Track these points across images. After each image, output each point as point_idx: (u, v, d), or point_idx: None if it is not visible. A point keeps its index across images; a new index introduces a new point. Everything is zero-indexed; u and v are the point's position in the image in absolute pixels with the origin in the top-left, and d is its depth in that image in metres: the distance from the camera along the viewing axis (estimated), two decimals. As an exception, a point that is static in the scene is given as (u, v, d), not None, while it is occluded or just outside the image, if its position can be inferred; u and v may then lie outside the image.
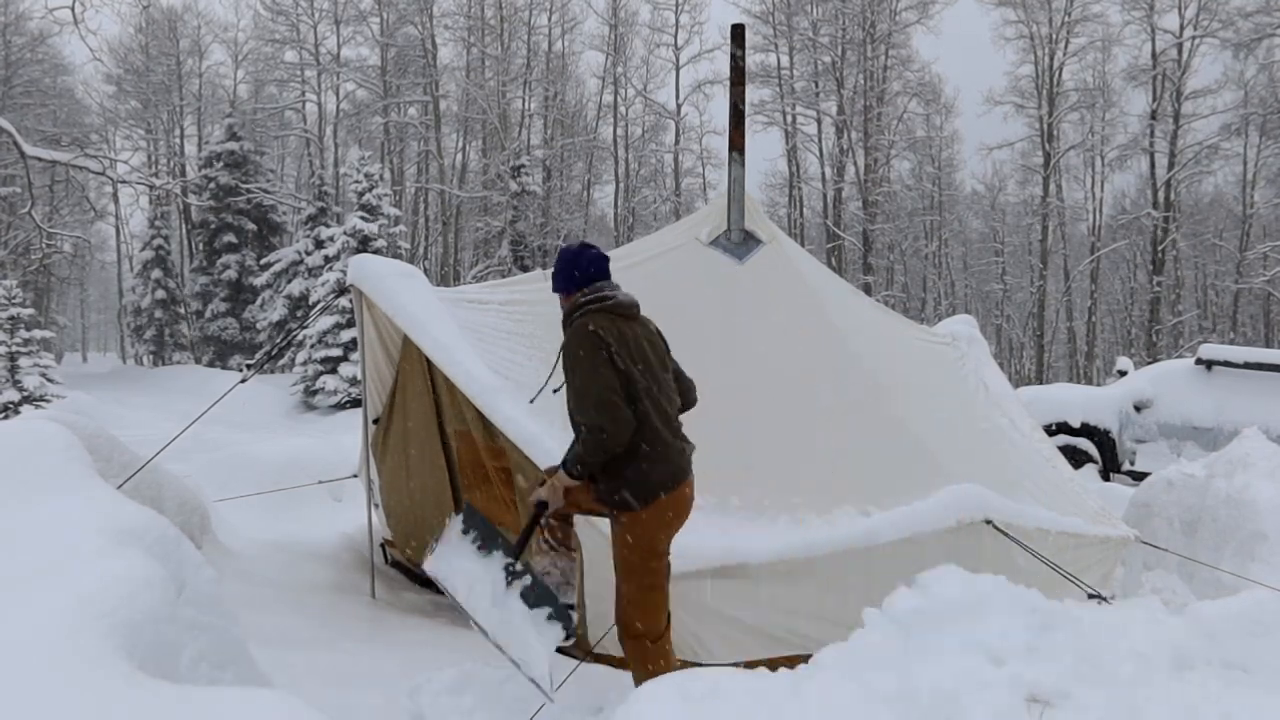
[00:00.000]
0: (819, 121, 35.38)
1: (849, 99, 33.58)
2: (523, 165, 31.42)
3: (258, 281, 29.00)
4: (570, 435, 3.53)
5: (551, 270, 3.67)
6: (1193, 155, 31.13)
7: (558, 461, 3.63)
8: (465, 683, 3.81)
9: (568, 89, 37.31)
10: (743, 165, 5.74)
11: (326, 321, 20.68)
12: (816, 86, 34.92)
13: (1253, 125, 31.39)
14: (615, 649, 4.20)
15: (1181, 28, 30.54)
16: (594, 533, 4.20)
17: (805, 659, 3.54)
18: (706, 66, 42.46)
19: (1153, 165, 31.81)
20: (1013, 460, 5.83)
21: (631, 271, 5.58)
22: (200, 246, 33.23)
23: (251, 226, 32.24)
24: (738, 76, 5.74)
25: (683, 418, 3.66)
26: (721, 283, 5.54)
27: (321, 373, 21.30)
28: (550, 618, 3.32)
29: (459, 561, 3.43)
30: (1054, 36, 32.49)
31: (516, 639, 3.28)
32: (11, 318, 15.72)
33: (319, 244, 25.53)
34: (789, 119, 35.27)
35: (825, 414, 5.21)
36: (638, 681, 3.42)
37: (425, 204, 37.07)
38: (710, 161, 38.43)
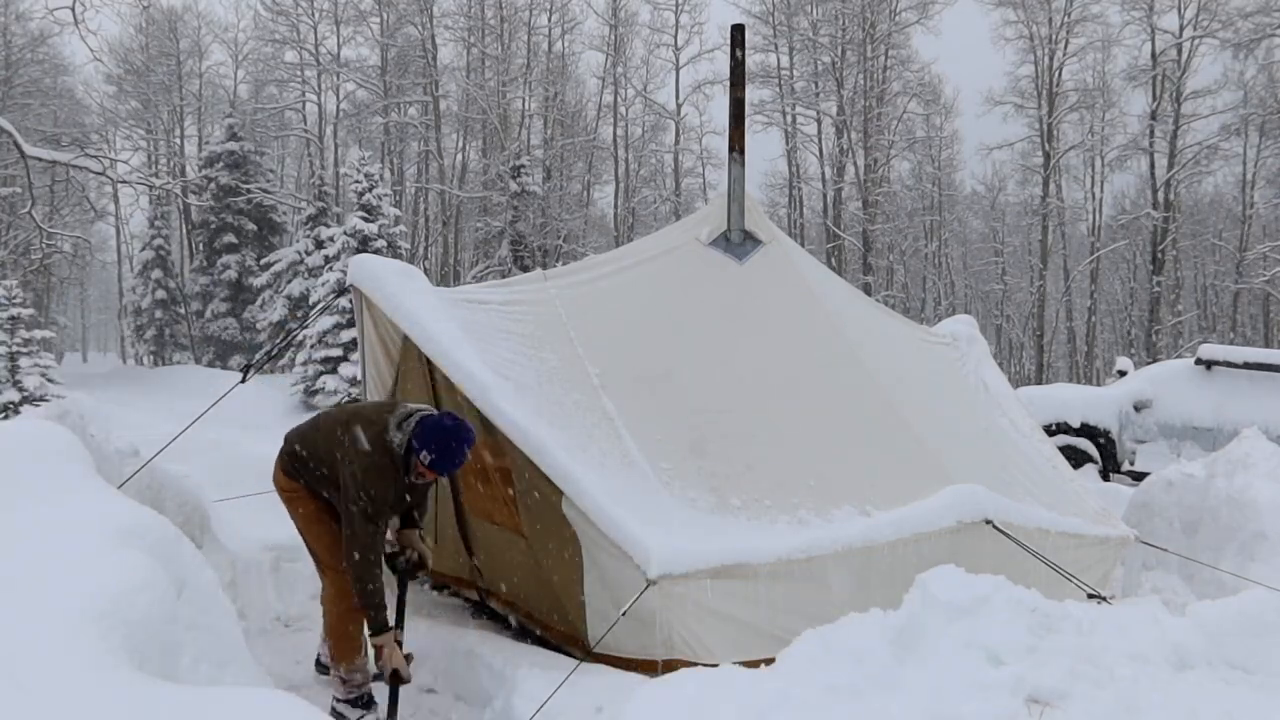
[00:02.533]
0: (819, 122, 35.35)
1: (849, 99, 33.55)
2: (523, 165, 31.37)
3: (258, 281, 28.96)
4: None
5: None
6: (1192, 155, 31.10)
7: (559, 462, 3.62)
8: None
9: (568, 89, 37.24)
10: (743, 165, 5.74)
11: (326, 321, 20.65)
12: (816, 86, 34.89)
13: (1252, 125, 31.33)
14: (615, 649, 4.20)
15: (1181, 28, 30.52)
16: (593, 531, 4.20)
17: (805, 659, 3.54)
18: (706, 67, 42.37)
19: (1152, 165, 31.79)
20: (1013, 460, 5.82)
21: (631, 272, 5.59)
22: (200, 246, 33.20)
23: (251, 226, 32.20)
24: (738, 77, 5.74)
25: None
26: (721, 283, 5.53)
27: (321, 373, 21.27)
28: None
29: None
30: (1054, 37, 32.45)
31: None
32: (12, 318, 15.70)
33: (319, 244, 25.48)
34: (789, 119, 35.23)
35: (825, 414, 5.20)
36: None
37: (425, 204, 37.02)
38: (710, 161, 38.38)
